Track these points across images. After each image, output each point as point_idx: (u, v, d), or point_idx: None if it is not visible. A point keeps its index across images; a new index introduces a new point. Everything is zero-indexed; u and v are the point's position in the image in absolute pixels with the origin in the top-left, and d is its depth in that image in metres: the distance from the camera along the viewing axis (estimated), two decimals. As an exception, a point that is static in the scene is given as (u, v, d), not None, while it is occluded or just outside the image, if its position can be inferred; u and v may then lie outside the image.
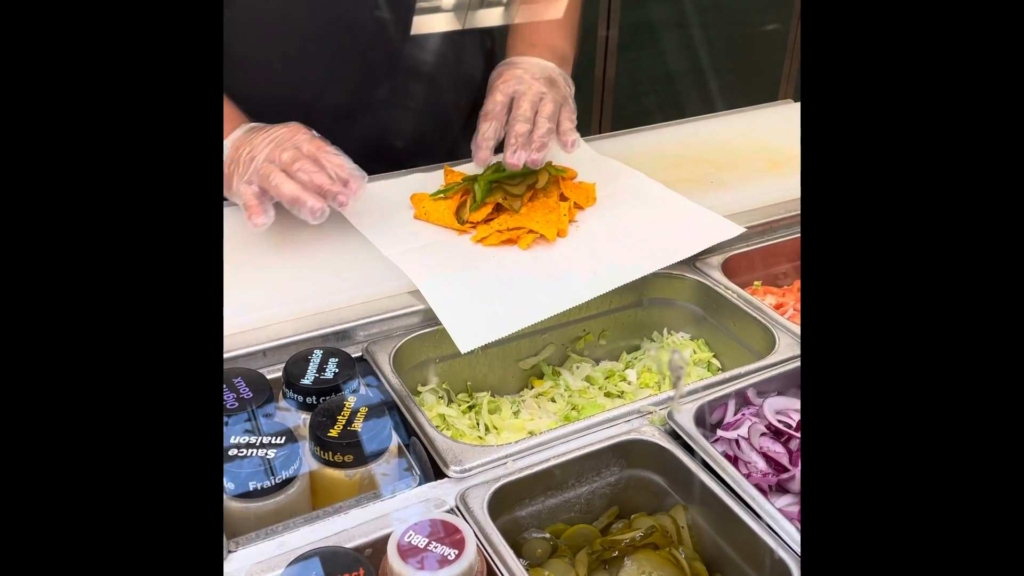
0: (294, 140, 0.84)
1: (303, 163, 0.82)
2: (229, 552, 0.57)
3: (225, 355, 0.73)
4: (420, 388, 0.82)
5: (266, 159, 0.83)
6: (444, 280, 0.83)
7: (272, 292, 0.82)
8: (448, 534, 0.56)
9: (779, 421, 0.71)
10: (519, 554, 0.65)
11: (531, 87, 0.93)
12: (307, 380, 0.68)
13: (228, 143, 0.88)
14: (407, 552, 0.55)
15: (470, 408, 0.85)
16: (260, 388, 0.67)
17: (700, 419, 0.71)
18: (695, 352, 0.90)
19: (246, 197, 0.83)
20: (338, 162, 0.84)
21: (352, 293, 0.82)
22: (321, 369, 0.69)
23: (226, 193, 0.87)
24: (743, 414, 0.73)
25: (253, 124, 0.89)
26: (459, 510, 0.61)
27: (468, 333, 0.78)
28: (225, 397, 0.66)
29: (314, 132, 0.87)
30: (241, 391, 0.67)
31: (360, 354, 0.77)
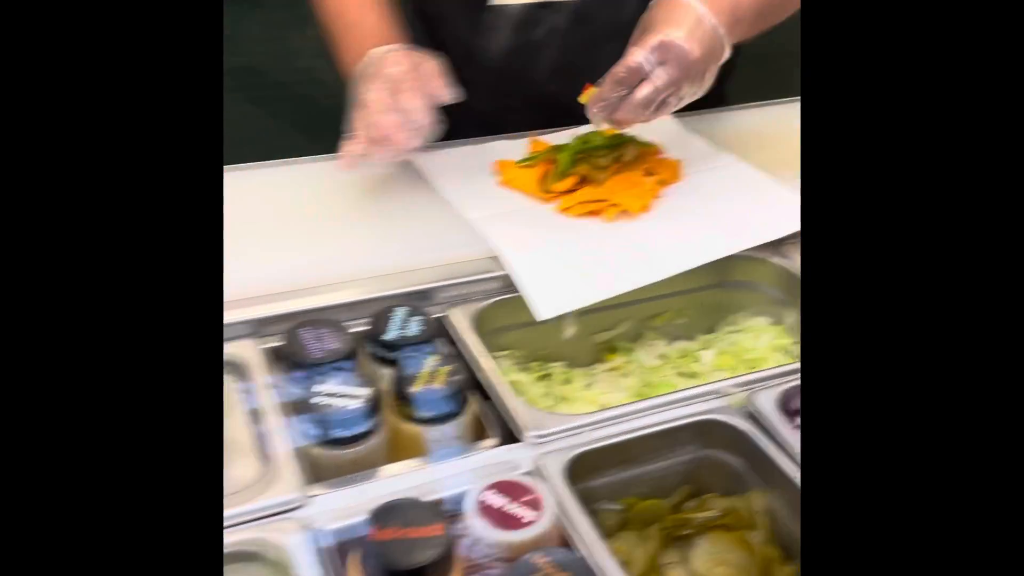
0: (390, 77, 0.84)
1: (380, 114, 0.82)
2: (309, 497, 0.58)
3: (310, 307, 0.74)
4: (496, 354, 0.82)
5: (360, 100, 0.84)
6: (525, 247, 0.83)
7: (356, 249, 0.82)
8: (526, 496, 0.56)
9: (863, 412, 0.69)
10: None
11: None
12: (390, 336, 0.69)
13: (363, 62, 0.89)
14: (485, 511, 0.55)
15: (543, 378, 0.84)
16: (344, 341, 0.68)
17: (781, 405, 0.69)
18: (775, 339, 0.88)
19: (343, 142, 0.85)
20: (413, 107, 0.82)
21: (433, 255, 0.82)
22: (404, 326, 0.70)
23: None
24: (825, 403, 0.71)
25: (390, 48, 0.89)
26: (535, 475, 0.61)
27: (546, 302, 0.78)
28: (311, 347, 0.67)
29: (416, 55, 0.85)
30: (326, 343, 0.68)
31: (440, 315, 0.78)
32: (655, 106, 0.82)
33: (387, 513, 0.53)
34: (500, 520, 0.54)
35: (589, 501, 0.66)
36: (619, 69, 0.81)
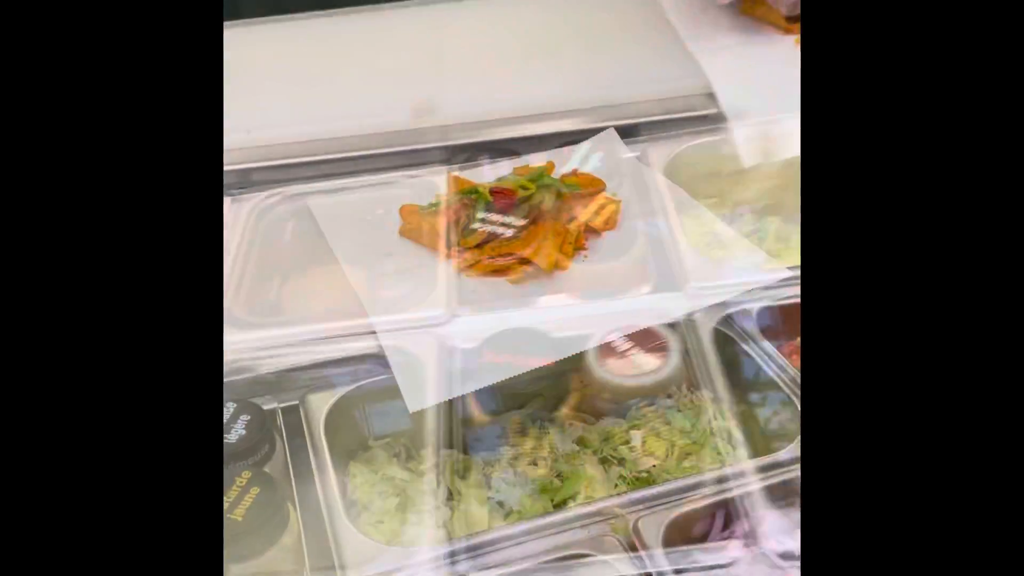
0: None
1: None
2: (454, 317, 0.60)
3: (498, 138, 0.73)
4: (702, 200, 0.76)
5: None
6: (747, 86, 0.74)
7: (566, 78, 0.79)
8: (655, 344, 0.53)
9: None
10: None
11: None
12: (565, 169, 0.67)
13: None
14: (608, 352, 0.53)
15: (753, 232, 0.76)
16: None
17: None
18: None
19: None
20: None
21: (643, 88, 0.76)
22: (584, 162, 0.67)
23: None
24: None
25: None
26: (684, 326, 0.57)
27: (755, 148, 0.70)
28: (484, 172, 0.68)
29: None
30: (499, 171, 0.67)
31: (638, 155, 0.73)
32: None
33: (502, 339, 0.53)
34: (620, 363, 0.52)
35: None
36: None
